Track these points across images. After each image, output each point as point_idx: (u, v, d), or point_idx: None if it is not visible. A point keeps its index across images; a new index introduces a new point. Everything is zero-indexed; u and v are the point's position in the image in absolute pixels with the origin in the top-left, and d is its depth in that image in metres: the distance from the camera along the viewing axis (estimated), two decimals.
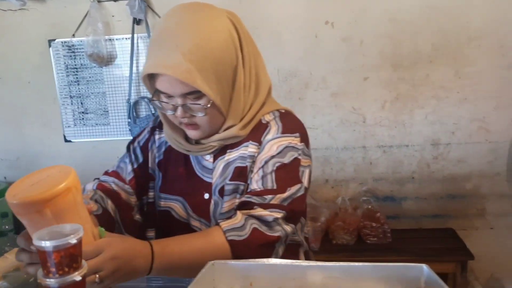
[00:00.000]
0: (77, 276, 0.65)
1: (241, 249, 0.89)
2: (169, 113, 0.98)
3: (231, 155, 1.04)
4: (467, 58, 2.24)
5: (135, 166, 1.12)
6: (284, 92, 2.37)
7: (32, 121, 2.57)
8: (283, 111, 1.08)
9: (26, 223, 0.73)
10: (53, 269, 0.63)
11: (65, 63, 2.47)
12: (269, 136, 1.02)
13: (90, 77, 2.48)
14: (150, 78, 0.97)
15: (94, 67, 2.45)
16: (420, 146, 2.36)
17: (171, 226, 1.09)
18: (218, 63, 0.93)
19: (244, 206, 0.96)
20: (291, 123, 1.05)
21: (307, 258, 1.13)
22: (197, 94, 0.93)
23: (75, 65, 2.47)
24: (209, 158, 1.06)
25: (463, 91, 2.27)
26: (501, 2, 2.17)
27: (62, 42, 2.45)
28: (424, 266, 0.69)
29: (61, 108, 2.53)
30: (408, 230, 2.39)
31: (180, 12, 0.95)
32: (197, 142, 1.05)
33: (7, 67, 2.53)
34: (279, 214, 0.94)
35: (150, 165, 1.12)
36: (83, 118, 2.53)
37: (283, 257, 0.99)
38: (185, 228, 1.07)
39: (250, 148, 1.02)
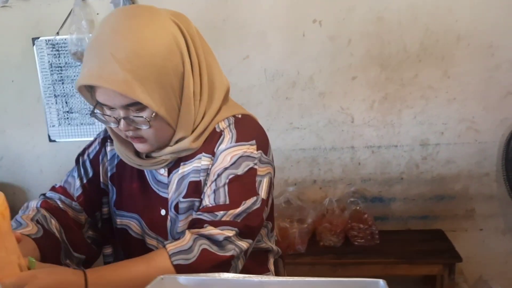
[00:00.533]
0: None
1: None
2: (112, 126, 0.92)
3: (185, 168, 0.97)
4: (455, 57, 2.20)
5: (85, 181, 1.04)
6: (271, 92, 2.34)
7: (15, 121, 2.53)
8: (239, 116, 1.00)
9: None
10: None
11: (49, 61, 2.44)
12: (222, 146, 0.95)
13: (75, 76, 2.44)
14: (90, 88, 0.90)
15: (79, 65, 2.40)
16: (409, 146, 2.33)
17: (129, 244, 1.04)
18: (160, 70, 0.86)
19: (195, 224, 0.90)
20: (247, 129, 0.97)
21: (276, 267, 1.10)
22: (139, 105, 0.87)
23: (60, 63, 2.43)
24: (163, 172, 1.00)
25: (452, 91, 2.24)
26: (490, 2, 2.13)
27: (46, 40, 2.41)
28: (381, 281, 0.67)
29: (45, 108, 2.49)
30: (396, 231, 2.36)
31: (117, 16, 0.88)
32: (148, 156, 0.98)
33: None
34: (231, 232, 0.87)
35: (101, 179, 1.05)
36: (67, 118, 2.50)
37: (251, 266, 0.95)
38: (142, 246, 1.02)
39: (203, 161, 0.96)
